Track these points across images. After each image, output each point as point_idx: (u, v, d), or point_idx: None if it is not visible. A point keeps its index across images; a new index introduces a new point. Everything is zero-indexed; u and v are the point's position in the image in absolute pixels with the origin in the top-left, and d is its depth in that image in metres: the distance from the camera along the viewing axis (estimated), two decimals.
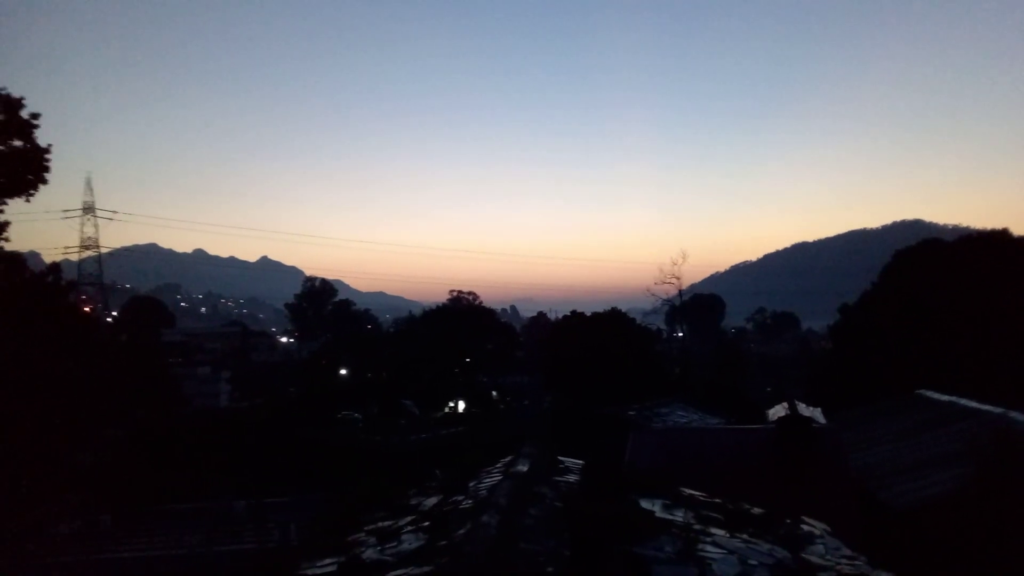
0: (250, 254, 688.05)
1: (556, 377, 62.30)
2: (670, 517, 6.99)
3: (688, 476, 9.85)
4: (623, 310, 75.29)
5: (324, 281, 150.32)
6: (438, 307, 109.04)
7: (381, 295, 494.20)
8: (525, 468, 8.76)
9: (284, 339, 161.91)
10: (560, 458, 10.03)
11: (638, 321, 79.73)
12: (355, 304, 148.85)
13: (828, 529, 7.66)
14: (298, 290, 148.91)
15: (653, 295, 60.90)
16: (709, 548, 5.96)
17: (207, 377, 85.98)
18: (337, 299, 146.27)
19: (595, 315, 70.04)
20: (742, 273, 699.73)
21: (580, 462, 9.60)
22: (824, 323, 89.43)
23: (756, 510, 7.99)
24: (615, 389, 44.87)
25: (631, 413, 29.61)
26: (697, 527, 6.62)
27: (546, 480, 8.06)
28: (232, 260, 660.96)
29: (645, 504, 7.37)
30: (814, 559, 6.34)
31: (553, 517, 6.38)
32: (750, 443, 15.97)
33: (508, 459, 10.07)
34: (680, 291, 61.36)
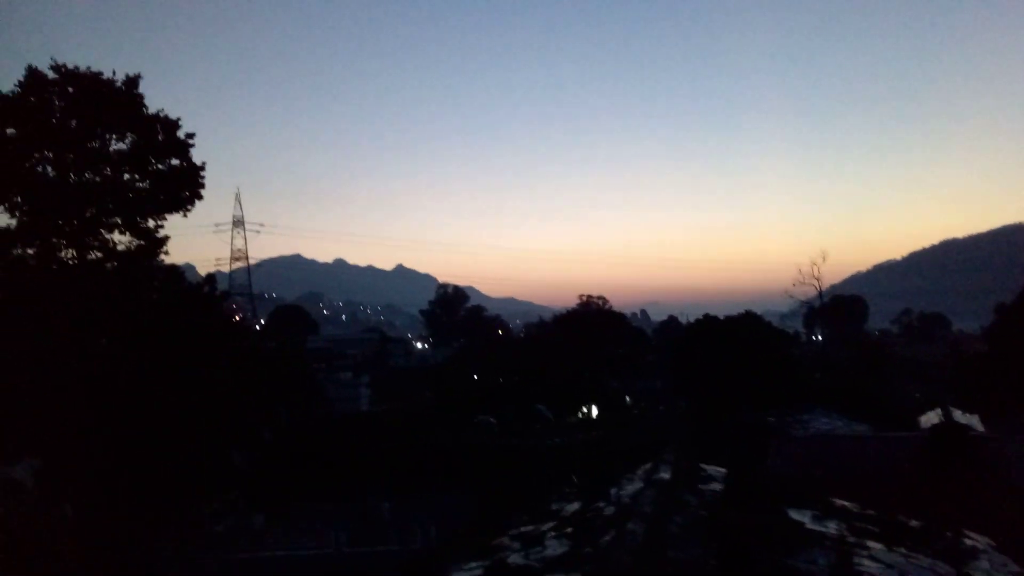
0: (387, 262, 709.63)
1: (690, 382, 61.15)
2: (821, 529, 6.79)
3: (835, 485, 9.53)
4: (758, 313, 73.09)
5: (456, 287, 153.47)
6: (568, 312, 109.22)
7: (511, 300, 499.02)
8: (667, 475, 8.69)
9: (419, 344, 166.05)
10: (701, 465, 9.89)
11: (774, 324, 77.21)
12: (486, 310, 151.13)
13: (992, 544, 7.24)
14: (432, 297, 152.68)
15: (791, 297, 59.01)
16: (866, 562, 5.76)
17: (348, 382, 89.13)
18: (469, 305, 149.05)
19: (728, 318, 68.27)
20: (886, 272, 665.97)
21: (722, 470, 9.44)
22: (977, 324, 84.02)
23: (913, 522, 7.65)
24: (752, 395, 43.67)
25: (771, 419, 28.76)
26: (851, 540, 6.40)
27: (690, 487, 7.98)
28: (370, 269, 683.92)
29: (794, 514, 7.18)
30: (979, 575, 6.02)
31: (699, 525, 6.32)
32: (901, 451, 15.25)
33: (649, 466, 10.02)
34: (820, 292, 59.16)
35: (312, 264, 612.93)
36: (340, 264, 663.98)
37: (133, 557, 26.51)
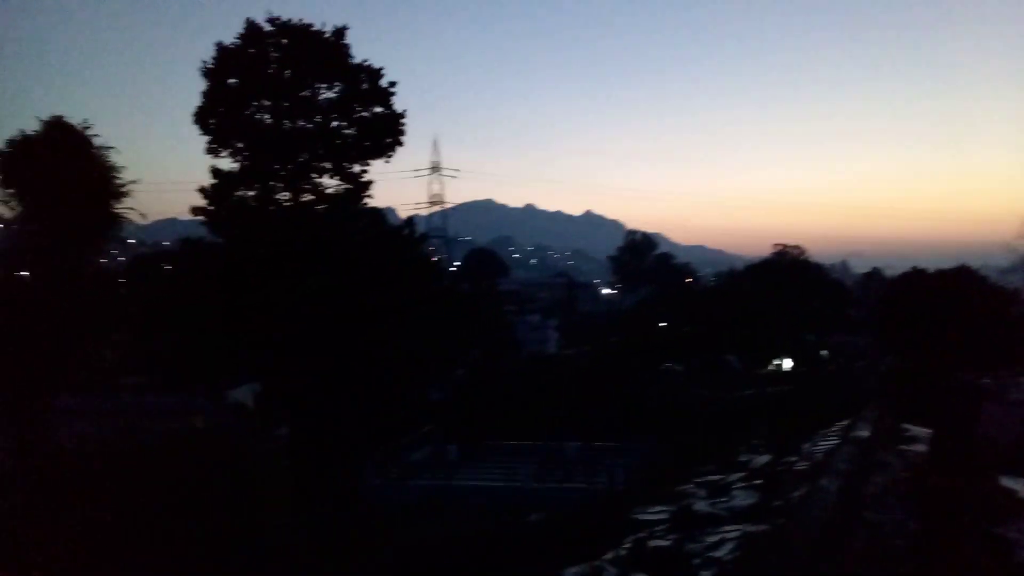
0: (576, 208, 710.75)
1: (893, 338, 57.55)
2: None
3: None
4: (974, 267, 67.27)
5: (645, 234, 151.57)
6: (761, 261, 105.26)
7: (701, 248, 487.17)
8: (867, 433, 8.35)
9: (606, 290, 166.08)
10: (904, 425, 9.41)
11: (992, 280, 70.80)
12: (675, 257, 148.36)
13: None
14: (620, 243, 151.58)
15: (1013, 251, 53.75)
16: None
17: (537, 324, 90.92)
18: (657, 252, 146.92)
19: (939, 272, 63.37)
20: None
21: (928, 431, 8.93)
22: None
23: None
24: (963, 355, 40.56)
25: (985, 382, 26.71)
26: None
27: (891, 448, 7.63)
28: (559, 214, 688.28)
29: (1006, 482, 6.73)
30: None
31: (900, 487, 6.05)
32: None
33: (846, 423, 9.64)
34: None
35: (503, 208, 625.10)
36: (530, 209, 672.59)
37: (340, 478, 28.72)
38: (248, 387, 30.90)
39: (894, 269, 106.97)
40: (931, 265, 69.25)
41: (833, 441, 8.84)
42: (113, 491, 16.63)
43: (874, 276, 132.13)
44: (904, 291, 65.98)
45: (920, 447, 8.38)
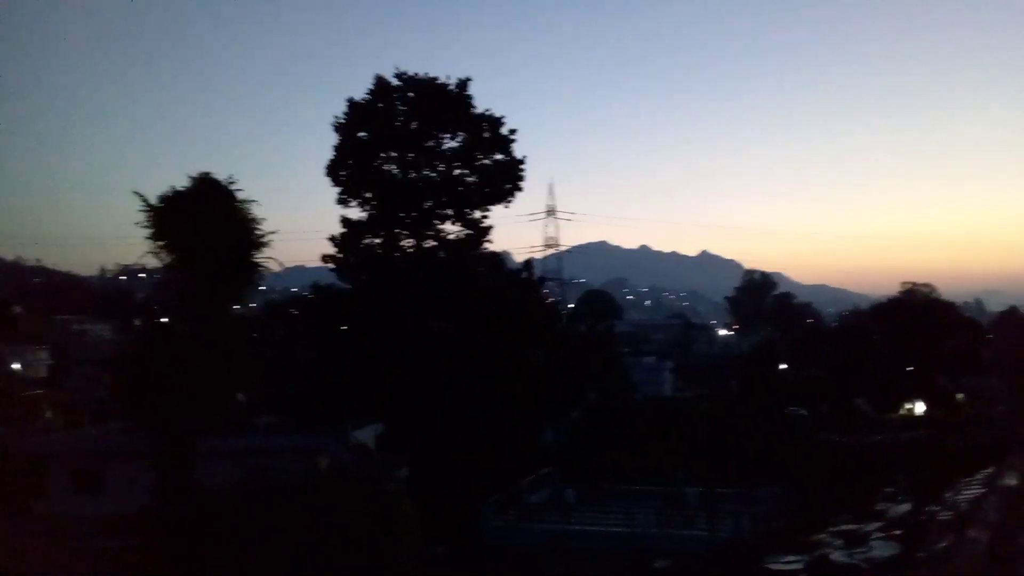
0: (691, 248, 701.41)
1: None
2: None
3: None
4: None
5: (764, 274, 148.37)
6: (888, 300, 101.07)
7: (823, 287, 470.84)
8: (1014, 482, 8.03)
9: (723, 332, 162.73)
10: None
11: None
12: (796, 297, 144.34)
13: None
14: (737, 283, 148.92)
15: None
16: None
17: (652, 366, 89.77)
18: (777, 292, 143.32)
19: None
20: None
21: None
22: None
23: None
24: None
25: None
26: None
27: None
28: (673, 255, 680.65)
29: None
30: None
31: None
32: None
33: (991, 470, 9.26)
34: None
35: (617, 250, 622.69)
36: (644, 250, 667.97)
37: (461, 520, 29.01)
38: (371, 428, 31.79)
39: None
40: None
41: (978, 490, 8.52)
42: (248, 532, 17.29)
43: (1011, 314, 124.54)
44: None
45: None
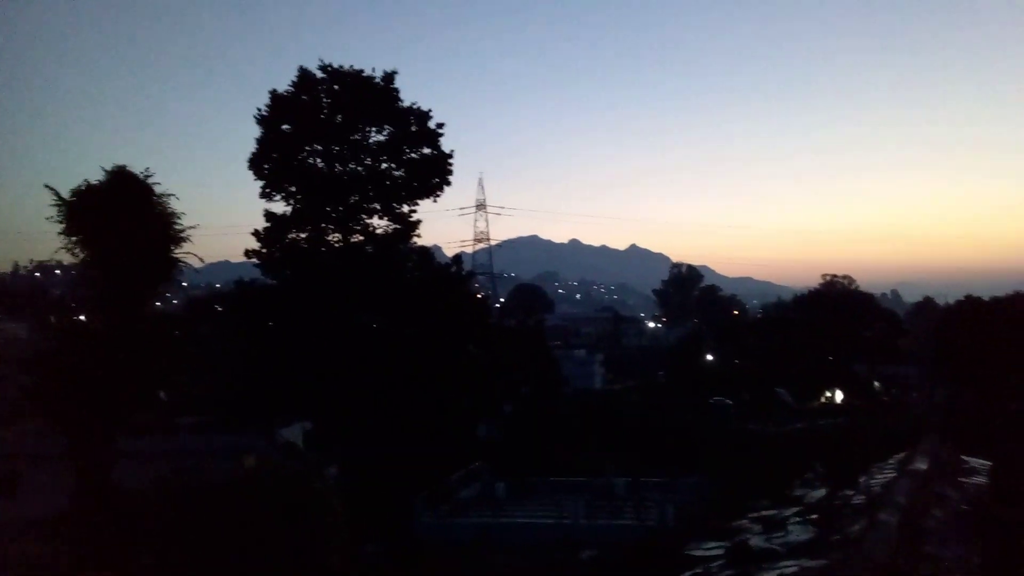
0: (620, 242, 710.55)
1: (948, 368, 56.37)
2: None
3: None
4: None
5: (690, 267, 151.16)
6: (809, 292, 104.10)
7: (748, 280, 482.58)
8: (924, 466, 8.30)
9: (652, 324, 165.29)
10: (963, 457, 9.32)
11: None
12: (721, 289, 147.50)
13: None
14: (665, 276, 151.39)
15: None
16: None
17: (583, 359, 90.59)
18: (703, 285, 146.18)
19: (995, 300, 62.14)
20: None
21: (987, 463, 8.85)
22: None
23: None
24: (1022, 383, 39.61)
25: None
26: None
27: (949, 480, 7.58)
28: (603, 248, 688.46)
29: None
30: None
31: (961, 521, 6.03)
32: None
33: (902, 455, 9.58)
34: None
35: (548, 244, 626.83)
36: (574, 244, 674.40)
37: (389, 514, 28.82)
38: (299, 426, 31.31)
39: (947, 298, 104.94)
40: (985, 292, 67.95)
41: (890, 474, 8.77)
42: (167, 532, 16.89)
43: (926, 305, 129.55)
44: (958, 319, 64.71)
45: (980, 479, 8.30)
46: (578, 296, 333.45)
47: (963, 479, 7.84)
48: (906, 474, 7.95)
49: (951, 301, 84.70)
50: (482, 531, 30.03)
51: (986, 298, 64.96)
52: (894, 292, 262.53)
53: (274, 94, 32.60)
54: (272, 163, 32.32)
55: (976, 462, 8.82)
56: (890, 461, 9.54)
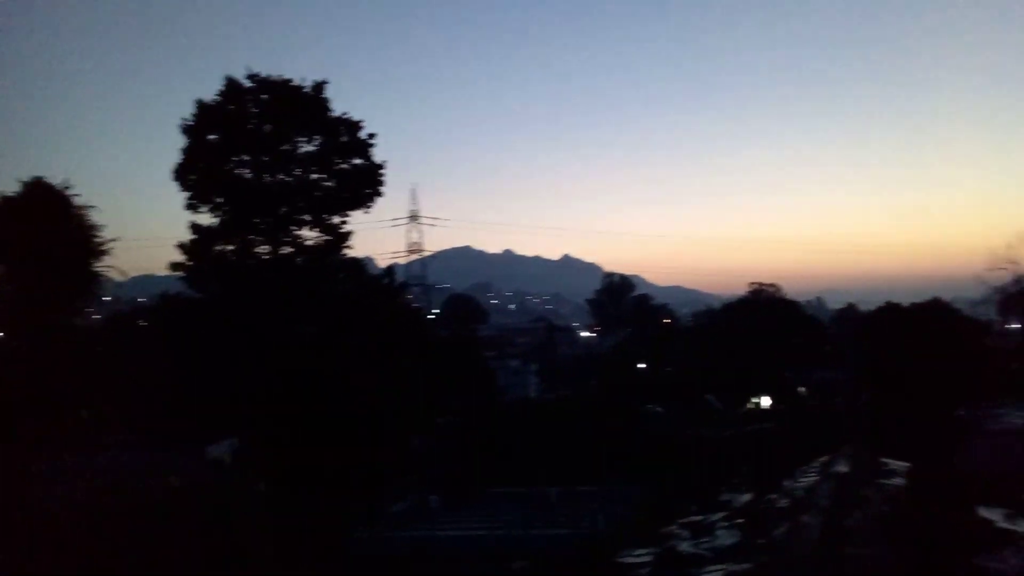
0: (554, 252, 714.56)
1: (871, 373, 58.20)
2: (1014, 528, 6.48)
3: None
4: (947, 300, 68.38)
5: (623, 276, 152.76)
6: (738, 300, 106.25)
7: (679, 289, 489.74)
8: (845, 469, 8.53)
9: (585, 333, 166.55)
10: (882, 460, 9.59)
11: (965, 313, 71.98)
12: (653, 298, 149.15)
13: None
14: (598, 286, 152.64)
15: (983, 283, 55.04)
16: None
17: (518, 369, 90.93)
18: (635, 294, 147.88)
19: (914, 306, 64.44)
20: None
21: (906, 464, 9.12)
22: None
23: None
24: (940, 387, 41.10)
25: (961, 414, 27.05)
26: None
27: (870, 482, 7.80)
28: (537, 259, 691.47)
29: (984, 512, 6.89)
30: None
31: (880, 521, 6.19)
32: None
33: (825, 459, 9.81)
34: (1017, 277, 54.79)
35: (481, 255, 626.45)
36: (508, 254, 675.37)
37: (321, 531, 28.39)
38: (228, 443, 30.59)
39: (869, 304, 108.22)
40: (905, 299, 70.35)
41: (813, 478, 9.01)
42: (92, 554, 16.40)
43: (849, 312, 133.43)
44: (879, 326, 66.86)
45: (899, 481, 8.57)
46: (512, 306, 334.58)
47: (883, 481, 8.08)
48: (829, 477, 8.17)
49: (872, 308, 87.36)
50: (416, 545, 29.79)
51: (905, 304, 67.20)
52: (818, 299, 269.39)
53: (200, 103, 31.90)
54: (198, 173, 31.59)
55: (895, 464, 9.10)
56: (814, 465, 9.81)
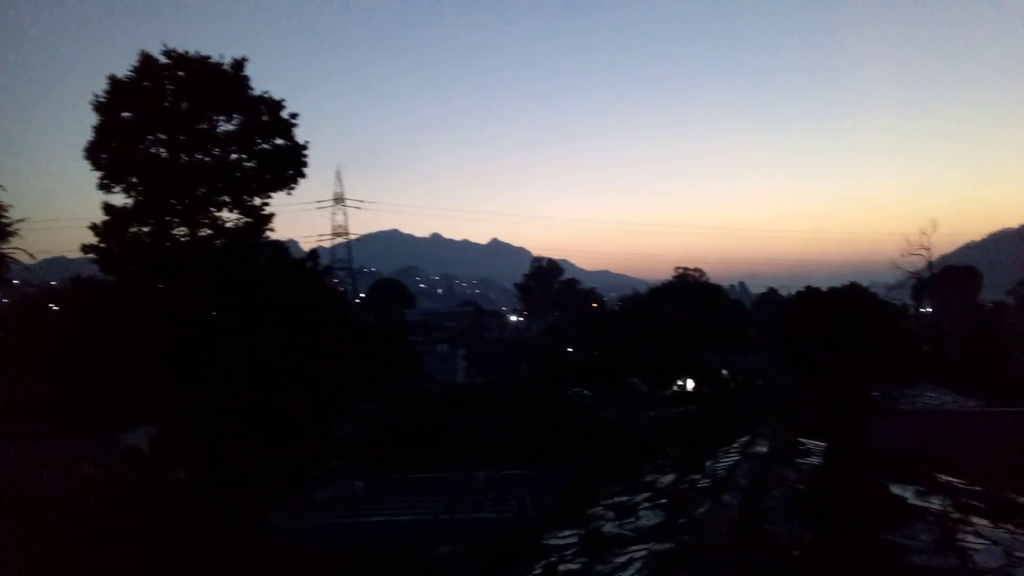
0: (482, 236, 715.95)
1: (791, 356, 59.87)
2: (924, 504, 6.65)
3: (942, 461, 9.25)
4: (864, 285, 70.67)
5: (551, 261, 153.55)
6: (664, 284, 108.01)
7: (606, 273, 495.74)
8: (764, 449, 8.64)
9: (514, 318, 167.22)
10: (800, 439, 9.76)
11: (881, 297, 74.60)
12: (581, 283, 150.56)
13: None
14: (527, 270, 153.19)
15: (898, 268, 57.13)
16: (970, 538, 5.63)
17: (445, 354, 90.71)
18: (563, 278, 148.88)
19: (832, 290, 66.38)
20: (1002, 242, 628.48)
21: (822, 444, 9.31)
22: None
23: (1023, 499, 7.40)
24: (856, 369, 42.50)
25: (875, 394, 27.97)
26: (956, 515, 6.25)
27: (787, 461, 7.91)
28: (465, 243, 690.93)
29: (896, 490, 7.06)
30: None
31: (796, 499, 6.28)
32: (1015, 427, 14.62)
33: (745, 439, 9.95)
34: (929, 263, 57.02)
35: (409, 239, 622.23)
36: (436, 239, 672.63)
37: (242, 519, 27.82)
38: (143, 430, 29.68)
39: (789, 289, 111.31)
40: (823, 284, 72.41)
41: (734, 458, 9.11)
42: (2, 547, 15.74)
43: (770, 296, 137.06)
44: (798, 310, 68.74)
45: (815, 460, 8.73)
46: (440, 291, 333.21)
47: (800, 460, 8.22)
48: (748, 457, 8.26)
49: (792, 292, 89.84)
50: (340, 532, 29.47)
51: (824, 288, 69.22)
52: (741, 284, 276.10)
53: (113, 79, 30.60)
54: (111, 152, 30.31)
55: (812, 444, 9.29)
56: (735, 445, 9.92)
